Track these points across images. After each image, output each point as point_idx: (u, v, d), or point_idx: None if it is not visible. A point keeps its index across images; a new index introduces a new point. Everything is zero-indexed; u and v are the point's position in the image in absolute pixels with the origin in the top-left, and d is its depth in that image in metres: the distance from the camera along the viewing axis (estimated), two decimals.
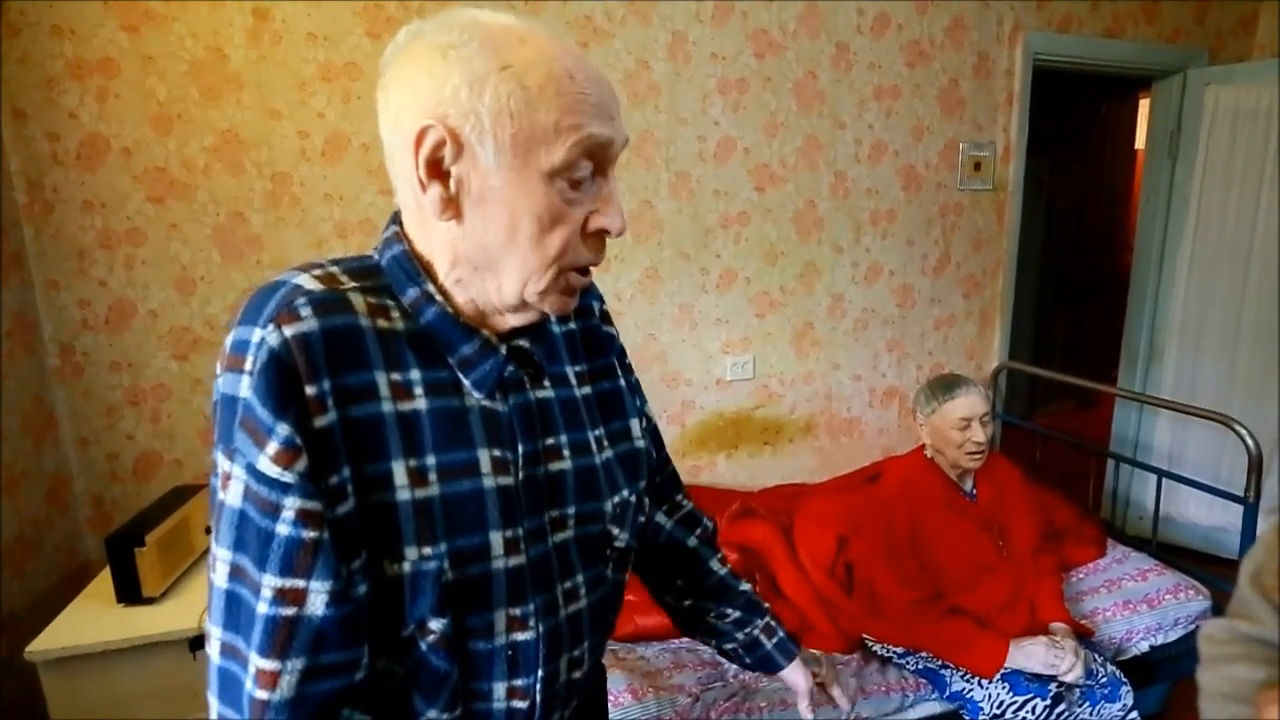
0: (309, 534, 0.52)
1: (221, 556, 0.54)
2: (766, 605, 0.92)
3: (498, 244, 0.56)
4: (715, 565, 0.89)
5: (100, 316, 1.81)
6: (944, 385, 1.67)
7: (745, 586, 0.91)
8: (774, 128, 2.31)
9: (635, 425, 0.74)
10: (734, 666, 1.65)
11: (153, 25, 1.73)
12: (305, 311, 0.53)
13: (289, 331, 0.52)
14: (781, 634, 0.92)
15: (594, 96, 0.55)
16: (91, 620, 1.48)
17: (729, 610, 0.89)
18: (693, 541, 0.88)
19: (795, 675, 0.92)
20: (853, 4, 2.31)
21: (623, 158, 2.36)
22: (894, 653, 1.67)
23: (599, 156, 0.57)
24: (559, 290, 0.59)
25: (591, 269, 0.61)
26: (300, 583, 0.52)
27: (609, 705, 1.10)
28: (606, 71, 2.08)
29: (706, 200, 2.29)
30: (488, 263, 0.57)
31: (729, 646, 0.90)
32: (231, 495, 0.53)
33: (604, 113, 0.56)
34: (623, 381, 0.74)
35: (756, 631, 0.89)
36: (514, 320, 0.61)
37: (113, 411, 1.86)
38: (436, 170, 0.55)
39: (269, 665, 0.52)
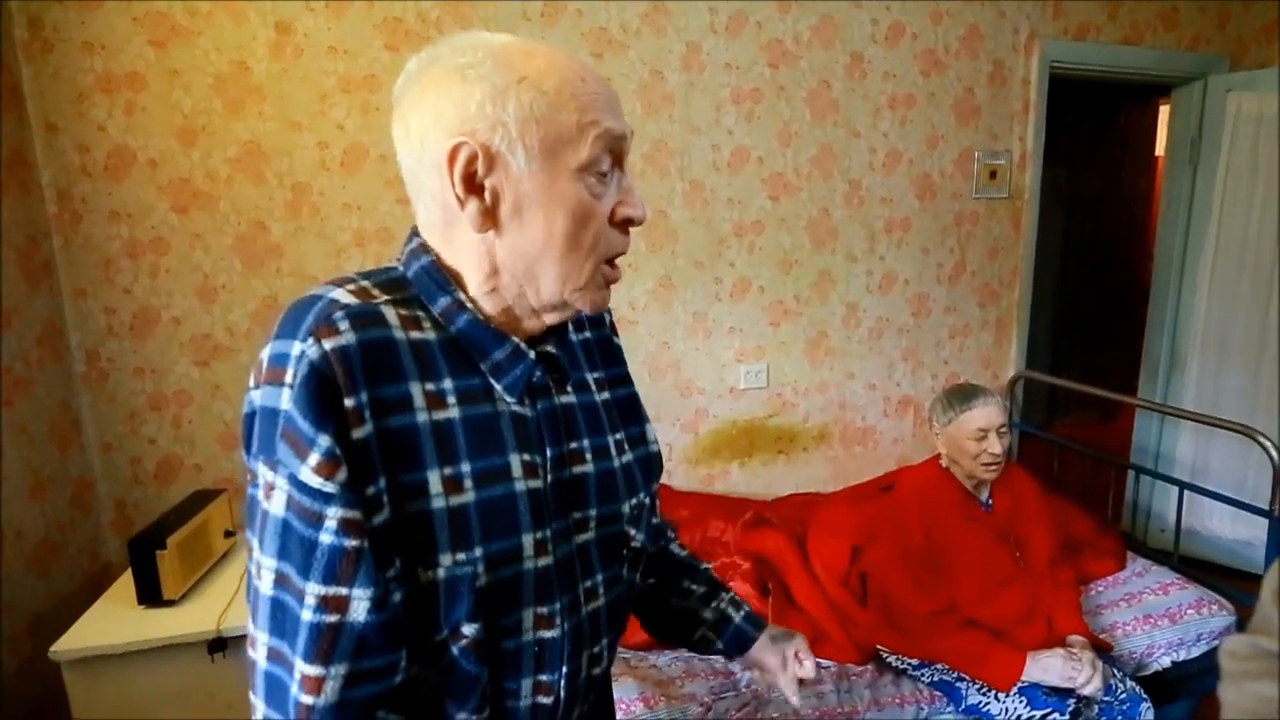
0: (351, 542, 0.53)
1: (266, 564, 0.55)
2: (728, 583, 0.91)
3: (537, 246, 0.59)
4: (675, 548, 0.91)
5: (125, 324, 1.85)
6: (961, 395, 1.66)
7: (705, 565, 0.91)
8: (788, 137, 2.32)
9: (650, 430, 0.78)
10: (746, 676, 1.65)
11: (179, 40, 1.78)
12: (344, 325, 0.54)
13: (328, 345, 0.53)
14: (747, 607, 0.90)
15: (603, 96, 0.60)
16: (113, 621, 1.50)
17: (693, 586, 0.88)
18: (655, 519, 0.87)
19: (768, 655, 0.88)
20: (867, 14, 2.31)
21: (637, 167, 2.37)
22: (909, 664, 1.65)
23: (616, 150, 0.61)
24: (596, 286, 0.63)
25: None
26: (343, 590, 0.53)
27: (620, 714, 1.10)
28: (621, 82, 2.12)
29: (720, 209, 2.30)
30: (527, 267, 0.60)
31: (698, 633, 0.87)
32: (275, 505, 0.54)
33: (614, 109, 0.61)
34: (635, 388, 0.79)
35: (724, 605, 0.88)
36: (551, 319, 0.64)
37: (136, 417, 1.89)
38: (472, 184, 0.58)
39: (313, 671, 0.53)
